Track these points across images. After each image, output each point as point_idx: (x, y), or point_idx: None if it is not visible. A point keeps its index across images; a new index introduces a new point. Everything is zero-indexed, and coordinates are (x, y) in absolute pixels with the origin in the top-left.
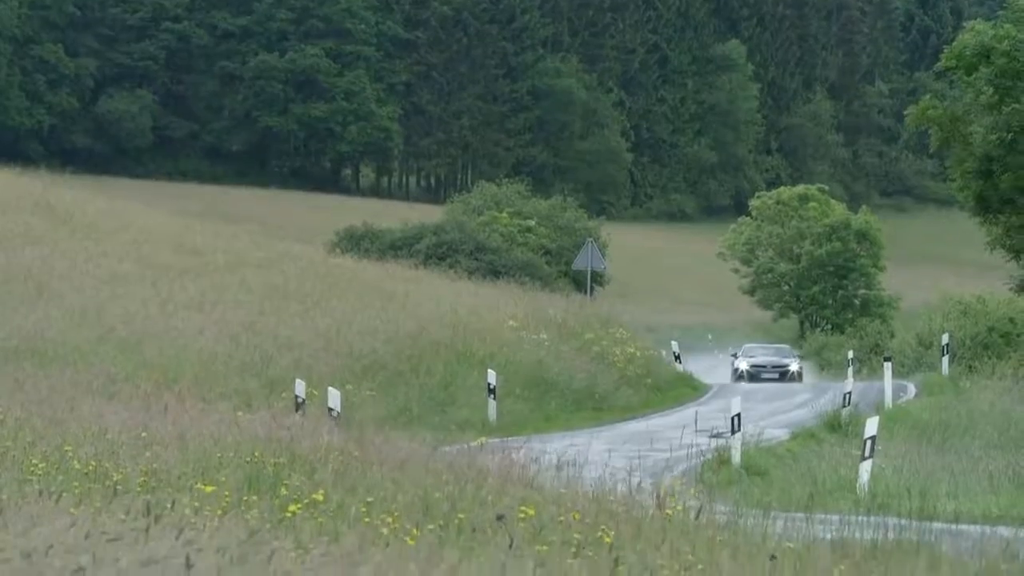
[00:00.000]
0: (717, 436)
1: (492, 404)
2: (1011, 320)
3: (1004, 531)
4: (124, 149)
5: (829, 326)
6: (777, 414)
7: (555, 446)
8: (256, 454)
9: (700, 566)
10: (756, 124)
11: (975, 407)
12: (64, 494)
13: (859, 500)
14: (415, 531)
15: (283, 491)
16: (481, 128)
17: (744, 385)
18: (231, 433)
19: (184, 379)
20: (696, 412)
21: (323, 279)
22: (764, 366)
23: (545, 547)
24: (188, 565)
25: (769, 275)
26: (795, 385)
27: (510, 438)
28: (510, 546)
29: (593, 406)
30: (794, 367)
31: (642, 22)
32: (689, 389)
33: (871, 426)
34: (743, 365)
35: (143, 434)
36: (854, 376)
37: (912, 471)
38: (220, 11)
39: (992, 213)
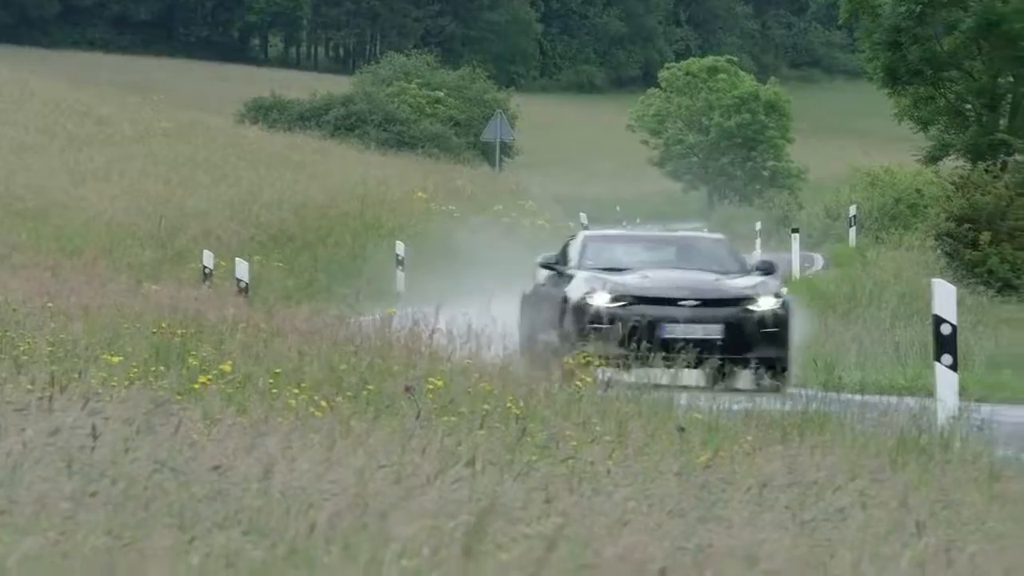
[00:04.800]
0: None
1: (401, 275)
2: (918, 191)
3: (911, 401)
4: (29, 18)
5: (738, 198)
6: None
7: (463, 317)
8: (163, 325)
9: (608, 437)
10: None
11: (882, 278)
12: None
13: None
14: (323, 403)
15: (191, 362)
16: None
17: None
18: (137, 304)
19: (91, 249)
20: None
21: (231, 150)
22: (673, 300)
23: (454, 418)
24: (94, 435)
25: (678, 147)
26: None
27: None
28: (417, 417)
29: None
30: (766, 304)
31: None
32: None
33: None
34: (598, 301)
35: (48, 304)
36: (761, 248)
37: (819, 342)
38: None
39: (900, 84)
